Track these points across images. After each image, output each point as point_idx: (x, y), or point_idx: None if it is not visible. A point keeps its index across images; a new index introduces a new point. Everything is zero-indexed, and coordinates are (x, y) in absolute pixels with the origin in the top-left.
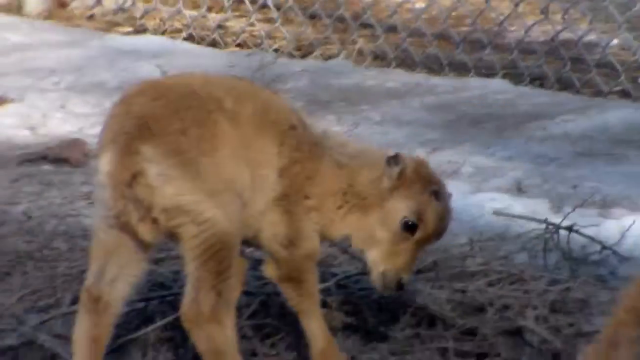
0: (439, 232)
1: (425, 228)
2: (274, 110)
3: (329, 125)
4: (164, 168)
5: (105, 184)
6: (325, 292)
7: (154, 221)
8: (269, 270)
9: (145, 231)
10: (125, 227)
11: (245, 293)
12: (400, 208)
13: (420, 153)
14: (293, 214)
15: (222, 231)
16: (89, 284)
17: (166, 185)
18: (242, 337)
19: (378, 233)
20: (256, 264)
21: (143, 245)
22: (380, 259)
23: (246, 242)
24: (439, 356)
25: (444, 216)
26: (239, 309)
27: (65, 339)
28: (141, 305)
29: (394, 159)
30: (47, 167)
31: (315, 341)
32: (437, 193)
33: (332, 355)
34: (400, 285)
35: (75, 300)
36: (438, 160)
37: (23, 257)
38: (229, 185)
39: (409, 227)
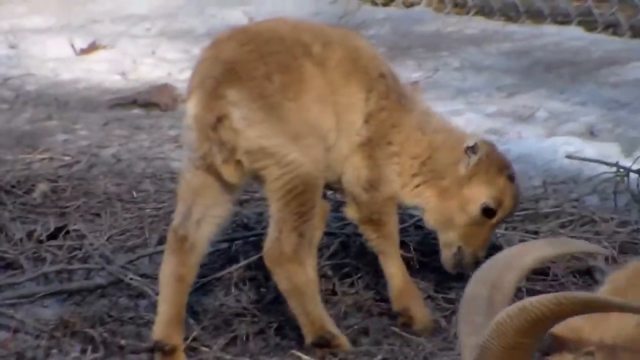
0: (514, 211)
1: (503, 210)
2: (365, 57)
3: (410, 69)
4: (248, 112)
5: (192, 126)
6: (403, 232)
7: (238, 163)
8: (350, 212)
9: (229, 173)
10: (210, 169)
11: (326, 234)
12: (480, 194)
13: (498, 97)
14: (376, 159)
15: (305, 173)
16: (175, 225)
17: (249, 128)
18: (322, 276)
19: (456, 217)
20: (337, 205)
21: (228, 187)
22: (457, 241)
23: (327, 186)
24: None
25: (518, 196)
26: (320, 250)
27: (152, 278)
28: (225, 245)
29: (472, 149)
30: (136, 111)
31: (394, 280)
32: (512, 176)
33: (410, 295)
34: (477, 263)
35: (161, 241)
36: (514, 105)
37: (112, 198)
38: (312, 129)
39: (489, 212)
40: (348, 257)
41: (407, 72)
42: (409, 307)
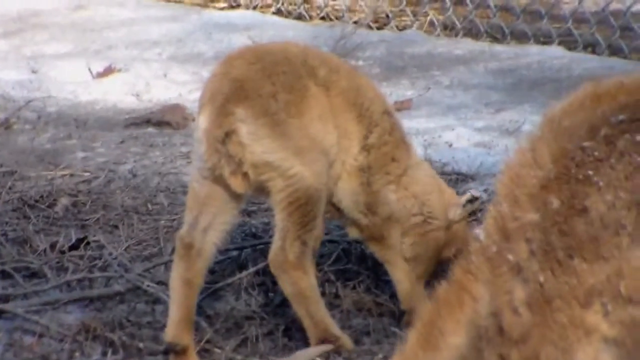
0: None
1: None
2: (369, 93)
3: (404, 88)
4: (254, 128)
5: (202, 139)
6: None
7: (245, 175)
8: (353, 233)
9: (236, 184)
10: (218, 180)
11: (329, 241)
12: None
13: (486, 112)
14: (373, 185)
15: (307, 186)
16: (183, 232)
17: (256, 143)
18: (327, 281)
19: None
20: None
21: (234, 197)
22: (415, 276)
23: (325, 212)
24: None
25: None
26: (323, 256)
27: (167, 284)
28: (235, 253)
29: (471, 202)
30: (150, 129)
31: (401, 285)
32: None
33: (416, 296)
34: None
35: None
36: (501, 119)
37: (129, 211)
38: (314, 144)
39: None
40: (350, 263)
41: (402, 91)
42: (416, 307)
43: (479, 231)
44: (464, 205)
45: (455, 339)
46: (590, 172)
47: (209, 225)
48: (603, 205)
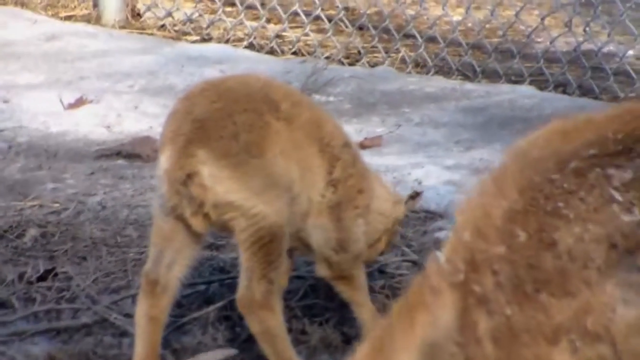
0: None
1: None
2: (329, 125)
3: (374, 125)
4: (216, 170)
5: (163, 179)
6: (368, 277)
7: (205, 215)
8: (322, 271)
9: (198, 223)
10: (180, 218)
11: (296, 277)
12: None
13: (456, 151)
14: (344, 220)
15: (270, 224)
16: (147, 269)
17: (217, 184)
18: (293, 317)
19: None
20: None
21: (196, 234)
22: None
23: (292, 247)
24: None
25: None
26: (290, 292)
27: (134, 318)
28: (202, 287)
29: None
30: (120, 162)
31: (368, 325)
32: None
33: None
34: None
35: None
36: (471, 158)
37: (98, 243)
38: (276, 182)
39: None
40: (317, 299)
41: (372, 127)
42: None
43: (439, 253)
44: (406, 202)
45: (407, 356)
46: (560, 204)
47: (173, 260)
48: (571, 238)
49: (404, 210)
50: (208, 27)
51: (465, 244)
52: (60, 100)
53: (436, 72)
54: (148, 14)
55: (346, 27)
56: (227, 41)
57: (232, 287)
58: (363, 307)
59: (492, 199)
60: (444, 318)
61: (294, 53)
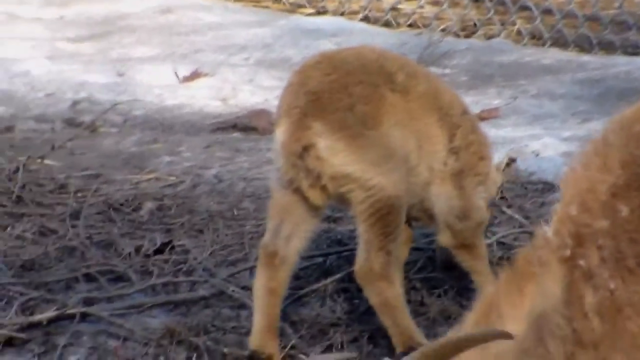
0: None
1: None
2: (447, 95)
3: (490, 97)
4: (332, 142)
5: (280, 152)
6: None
7: (323, 188)
8: (444, 240)
9: (315, 196)
10: (297, 191)
11: (414, 249)
12: None
13: (572, 122)
14: (466, 188)
15: (387, 195)
16: (266, 241)
17: (334, 156)
18: (412, 288)
19: None
20: None
21: (314, 207)
22: None
23: (415, 218)
24: None
25: None
26: (408, 264)
27: (252, 290)
28: (320, 260)
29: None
30: (236, 134)
31: None
32: None
33: None
34: None
35: None
36: (588, 130)
37: (214, 216)
38: (393, 154)
39: None
40: (435, 271)
41: (488, 99)
42: None
43: (547, 228)
44: (503, 170)
45: (514, 326)
46: None
47: (292, 233)
48: None
49: (502, 178)
50: None
51: (572, 217)
52: (176, 74)
53: (552, 44)
54: None
55: None
56: (342, 14)
57: (350, 259)
58: (483, 276)
59: (597, 172)
60: (551, 290)
61: (409, 25)
